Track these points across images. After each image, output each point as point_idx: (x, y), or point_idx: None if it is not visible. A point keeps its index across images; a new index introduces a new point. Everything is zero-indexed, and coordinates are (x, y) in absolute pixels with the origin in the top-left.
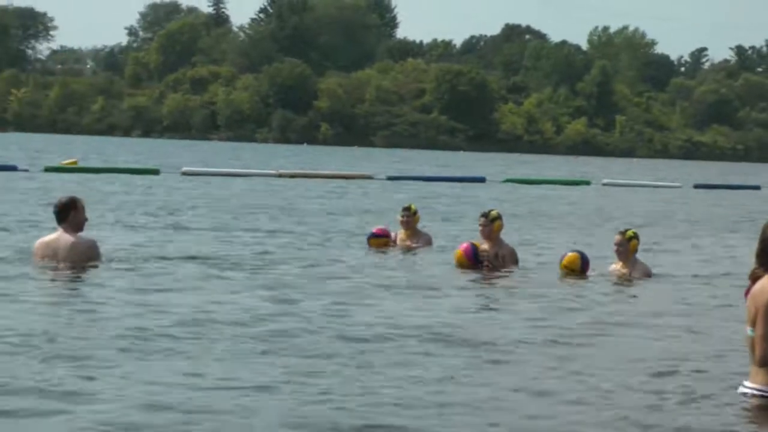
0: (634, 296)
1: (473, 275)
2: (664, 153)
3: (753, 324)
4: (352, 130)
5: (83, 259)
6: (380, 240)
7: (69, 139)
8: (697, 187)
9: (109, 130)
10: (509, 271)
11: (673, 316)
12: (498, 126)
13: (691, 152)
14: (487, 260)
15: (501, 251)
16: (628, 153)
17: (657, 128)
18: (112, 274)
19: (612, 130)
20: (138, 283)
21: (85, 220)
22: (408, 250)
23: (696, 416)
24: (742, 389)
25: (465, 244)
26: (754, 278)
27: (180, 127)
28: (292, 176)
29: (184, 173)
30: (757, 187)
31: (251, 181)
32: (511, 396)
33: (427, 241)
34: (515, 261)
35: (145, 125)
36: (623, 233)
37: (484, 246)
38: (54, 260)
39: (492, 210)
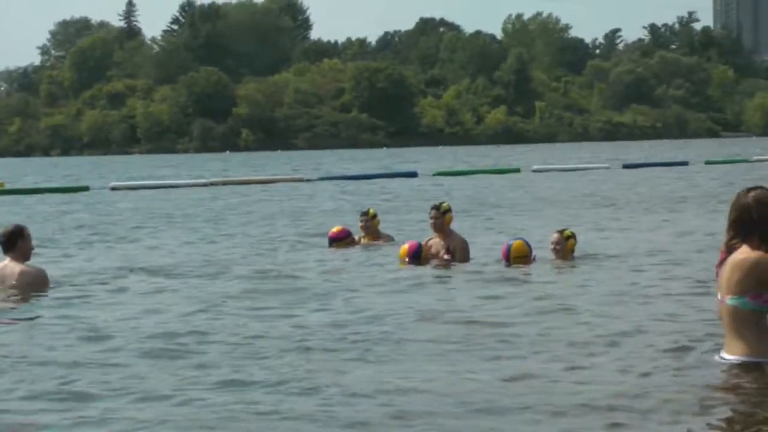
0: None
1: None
2: (585, 136)
3: (729, 293)
4: (273, 134)
5: (33, 287)
6: (342, 242)
7: None
8: (626, 167)
9: (28, 151)
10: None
11: (637, 295)
12: (419, 120)
13: (612, 133)
14: (442, 253)
15: (452, 243)
16: (549, 138)
17: (576, 112)
18: (63, 299)
19: (532, 116)
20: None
21: (32, 248)
22: (371, 247)
23: (680, 390)
24: (718, 360)
25: (411, 243)
26: (729, 249)
27: (100, 143)
28: (225, 183)
29: (114, 188)
30: (685, 163)
31: (183, 191)
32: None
33: (389, 240)
34: (467, 252)
35: (64, 143)
36: (561, 232)
37: (435, 239)
38: (1, 288)
39: (443, 202)
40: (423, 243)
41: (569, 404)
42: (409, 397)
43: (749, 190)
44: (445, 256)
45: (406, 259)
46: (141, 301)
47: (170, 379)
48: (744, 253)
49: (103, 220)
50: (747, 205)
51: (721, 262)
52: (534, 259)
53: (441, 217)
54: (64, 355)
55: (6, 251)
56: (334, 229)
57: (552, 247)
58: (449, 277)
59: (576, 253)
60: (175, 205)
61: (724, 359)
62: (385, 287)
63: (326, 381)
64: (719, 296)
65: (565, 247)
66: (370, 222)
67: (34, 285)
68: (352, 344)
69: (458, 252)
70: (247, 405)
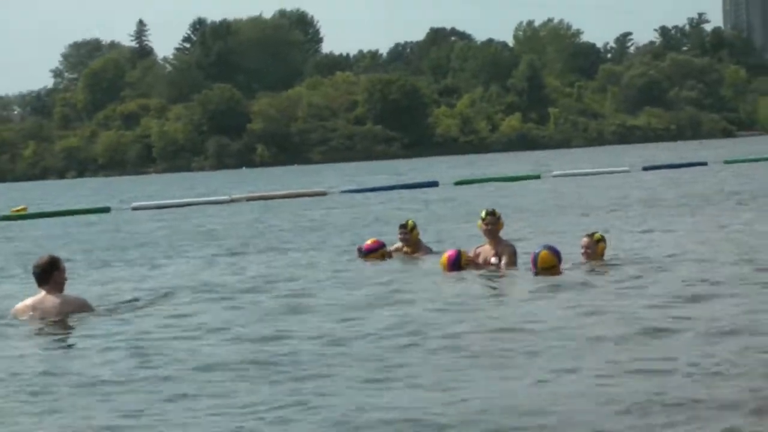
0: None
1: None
2: (600, 140)
3: None
4: (288, 149)
5: (74, 315)
6: (377, 253)
7: (5, 187)
8: (646, 169)
9: (44, 174)
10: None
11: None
12: (433, 130)
13: (626, 137)
14: (493, 259)
15: (502, 249)
16: (564, 144)
17: (590, 116)
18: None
19: (546, 123)
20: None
21: (65, 279)
22: (411, 259)
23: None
24: None
25: (451, 251)
26: None
27: (115, 164)
28: (248, 200)
29: (135, 208)
30: (704, 164)
31: (206, 209)
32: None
33: (428, 252)
34: (515, 257)
35: (80, 165)
36: (591, 236)
37: (486, 246)
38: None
39: (494, 209)
40: (472, 250)
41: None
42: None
43: None
44: (493, 260)
45: (447, 268)
46: (203, 320)
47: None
48: None
49: (129, 241)
50: None
51: None
52: (564, 266)
53: (496, 222)
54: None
55: (41, 284)
56: (369, 242)
57: (582, 251)
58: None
59: (607, 257)
60: (199, 223)
61: None
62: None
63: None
64: None
65: (596, 251)
66: (408, 234)
67: (74, 313)
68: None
69: (508, 257)
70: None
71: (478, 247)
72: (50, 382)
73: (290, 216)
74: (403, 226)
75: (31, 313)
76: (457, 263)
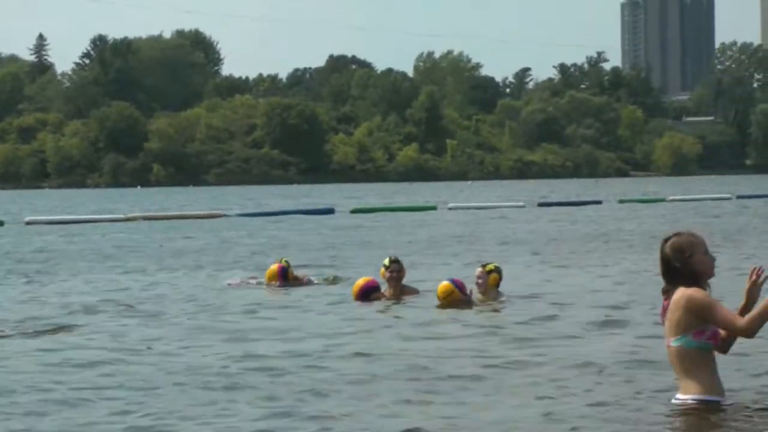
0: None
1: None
2: (497, 174)
3: (673, 334)
4: (184, 169)
5: None
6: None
7: None
8: (541, 205)
9: None
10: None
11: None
12: (330, 157)
13: (523, 172)
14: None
15: (406, 296)
16: (460, 176)
17: (488, 150)
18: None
19: (443, 154)
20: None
21: None
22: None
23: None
24: (675, 401)
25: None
26: (667, 295)
27: (9, 177)
28: (145, 218)
29: (29, 223)
30: (598, 202)
31: (102, 226)
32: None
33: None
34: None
35: None
36: (484, 266)
37: (389, 292)
38: None
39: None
40: (375, 295)
41: None
42: None
43: (666, 239)
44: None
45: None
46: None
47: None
48: (679, 293)
49: (23, 255)
50: (667, 256)
51: (665, 309)
52: (471, 294)
53: (399, 270)
54: None
55: None
56: (363, 281)
57: (476, 282)
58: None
59: (502, 288)
60: (95, 241)
61: (678, 399)
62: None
63: None
64: (666, 342)
65: (487, 281)
66: (402, 272)
67: None
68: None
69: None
70: None
71: (380, 293)
72: None
73: (186, 236)
74: (396, 262)
75: None
76: (369, 293)
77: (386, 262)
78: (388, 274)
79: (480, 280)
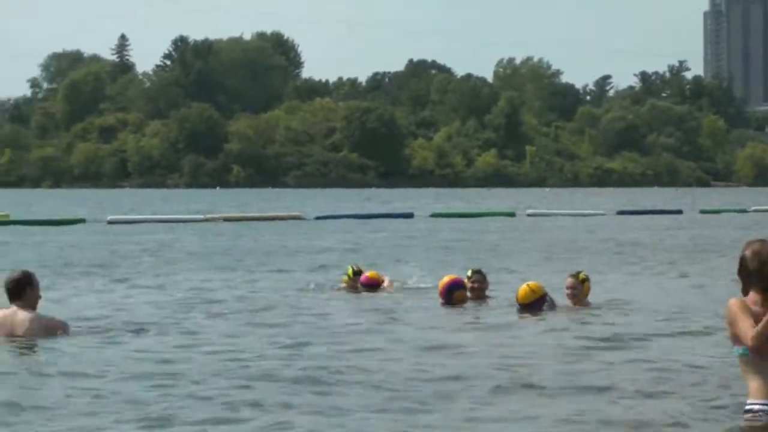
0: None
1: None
2: (575, 181)
3: (735, 342)
4: (263, 171)
5: (46, 336)
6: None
7: None
8: (621, 213)
9: (18, 182)
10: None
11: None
12: (409, 161)
13: (602, 180)
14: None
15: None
16: (539, 183)
17: (567, 157)
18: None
19: (522, 160)
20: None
21: (39, 297)
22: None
23: None
24: (748, 407)
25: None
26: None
27: (90, 176)
28: (225, 219)
29: (110, 222)
30: (679, 212)
31: (182, 226)
32: None
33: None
34: None
35: (55, 176)
36: (576, 276)
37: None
38: (9, 337)
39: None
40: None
41: None
42: None
43: (749, 242)
44: None
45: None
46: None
47: None
48: (732, 303)
49: (107, 255)
50: (745, 258)
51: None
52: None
53: (482, 281)
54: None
55: (12, 299)
56: (448, 278)
57: (568, 292)
58: None
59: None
60: (173, 240)
61: (747, 404)
62: None
63: None
64: None
65: (581, 292)
66: (484, 283)
67: (48, 334)
68: None
69: None
70: None
71: (463, 292)
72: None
73: (273, 236)
74: (478, 272)
75: None
76: (451, 293)
77: (469, 273)
78: (470, 285)
79: (575, 290)
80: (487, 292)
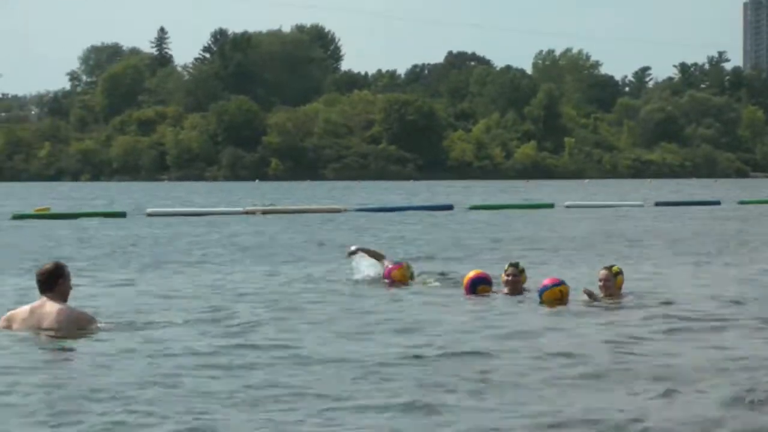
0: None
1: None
2: (614, 173)
3: None
4: (302, 163)
5: (74, 329)
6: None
7: (19, 186)
8: (658, 204)
9: (58, 175)
10: None
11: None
12: (447, 153)
13: (641, 171)
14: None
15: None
16: (578, 175)
17: (606, 149)
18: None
19: (561, 152)
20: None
21: (71, 288)
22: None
23: None
24: None
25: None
26: None
27: (129, 169)
28: (264, 212)
29: (150, 214)
30: (717, 203)
31: (222, 219)
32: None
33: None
34: None
35: (94, 168)
36: (609, 269)
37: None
38: (37, 330)
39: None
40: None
41: None
42: None
43: None
44: None
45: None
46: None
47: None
48: None
49: (145, 247)
50: None
51: None
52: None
53: (518, 275)
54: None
55: (43, 291)
56: (473, 273)
57: (600, 284)
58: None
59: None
60: (214, 233)
61: None
62: None
63: None
64: None
65: (615, 284)
66: (519, 276)
67: (78, 327)
68: None
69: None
70: None
71: (488, 287)
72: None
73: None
74: (514, 266)
75: (26, 317)
76: (474, 286)
77: (505, 266)
78: (505, 278)
79: (608, 282)
80: (525, 286)
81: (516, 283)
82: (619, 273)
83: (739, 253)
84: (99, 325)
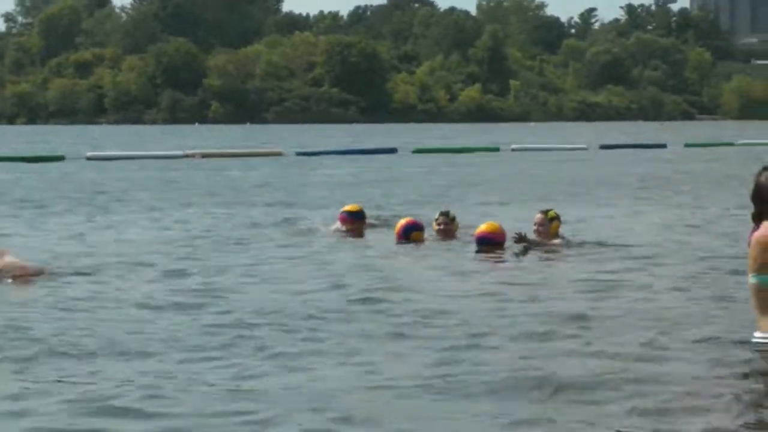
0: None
1: None
2: (560, 116)
3: (752, 270)
4: (243, 107)
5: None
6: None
7: None
8: (603, 147)
9: None
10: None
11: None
12: (391, 96)
13: (587, 114)
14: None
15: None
16: (523, 117)
17: (551, 91)
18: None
19: (506, 95)
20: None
21: None
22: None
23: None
24: (755, 339)
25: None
26: (756, 223)
27: (66, 112)
28: (204, 156)
29: (89, 158)
30: (663, 146)
31: (162, 163)
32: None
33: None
34: None
35: (30, 112)
36: (545, 213)
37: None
38: None
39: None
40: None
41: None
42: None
43: (765, 168)
44: None
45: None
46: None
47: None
48: (762, 229)
49: (85, 192)
50: (762, 184)
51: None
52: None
53: (449, 224)
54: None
55: None
56: (404, 220)
57: (535, 228)
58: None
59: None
60: (159, 176)
61: (756, 338)
62: None
63: None
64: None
65: (549, 229)
66: (450, 225)
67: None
68: None
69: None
70: None
71: (420, 234)
72: None
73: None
74: (445, 214)
75: None
76: (407, 233)
77: (436, 215)
78: (436, 227)
79: (542, 227)
80: (458, 234)
81: (447, 232)
82: (555, 218)
83: (679, 196)
84: (38, 271)
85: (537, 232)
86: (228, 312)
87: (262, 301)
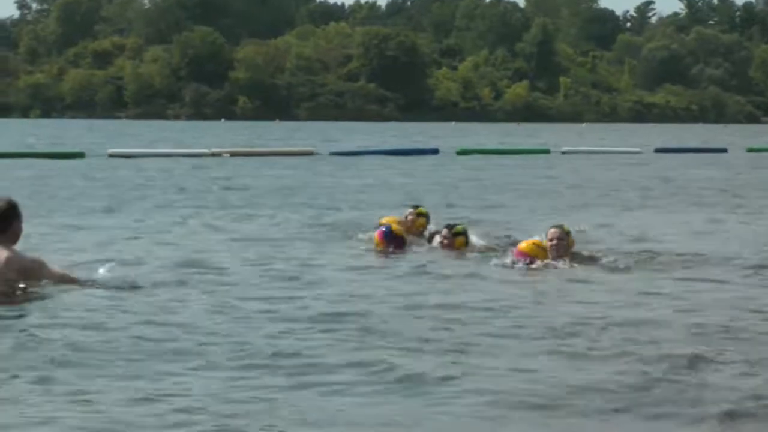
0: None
1: None
2: (613, 116)
3: None
4: (272, 102)
5: (24, 278)
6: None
7: None
8: (658, 151)
9: (5, 111)
10: None
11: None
12: (431, 93)
13: (642, 114)
14: None
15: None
16: (573, 118)
17: (604, 90)
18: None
19: (556, 93)
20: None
21: (22, 230)
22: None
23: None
24: None
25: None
26: None
27: (83, 105)
28: (232, 154)
29: (111, 155)
30: (724, 150)
31: (187, 161)
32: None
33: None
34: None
35: (45, 104)
36: (560, 227)
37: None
38: None
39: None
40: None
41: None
42: None
43: None
44: None
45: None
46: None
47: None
48: None
49: (105, 191)
50: None
51: None
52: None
53: (453, 237)
54: None
55: None
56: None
57: (554, 243)
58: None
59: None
60: (177, 175)
61: None
62: None
63: None
64: None
65: (567, 243)
66: (452, 240)
67: (27, 275)
68: None
69: None
70: None
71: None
72: None
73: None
74: (450, 227)
75: None
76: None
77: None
78: (439, 240)
79: (561, 242)
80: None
81: (450, 247)
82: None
83: (735, 206)
84: (57, 275)
85: (556, 247)
86: None
87: None
